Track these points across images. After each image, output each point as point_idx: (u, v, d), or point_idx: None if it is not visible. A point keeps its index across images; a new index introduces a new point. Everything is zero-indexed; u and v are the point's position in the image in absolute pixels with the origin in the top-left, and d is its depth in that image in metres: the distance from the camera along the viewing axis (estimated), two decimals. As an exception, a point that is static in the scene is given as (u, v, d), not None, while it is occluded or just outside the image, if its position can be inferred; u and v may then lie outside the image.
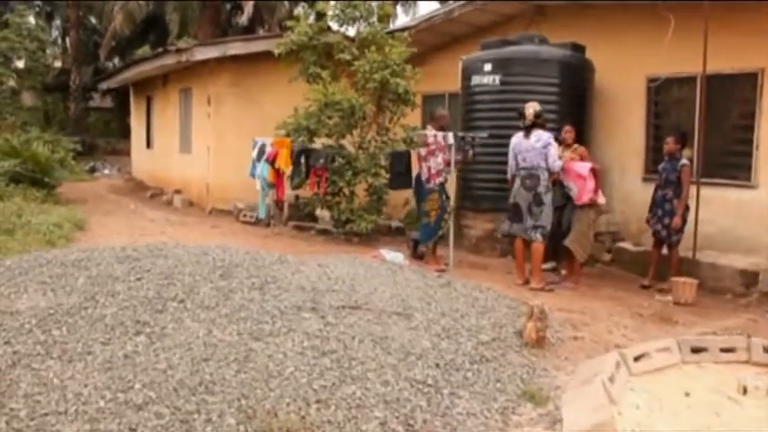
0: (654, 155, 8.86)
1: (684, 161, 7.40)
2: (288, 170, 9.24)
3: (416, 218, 8.11)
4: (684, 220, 7.39)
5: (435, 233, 7.82)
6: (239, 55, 11.78)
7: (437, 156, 7.13)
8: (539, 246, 7.09)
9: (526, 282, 7.26)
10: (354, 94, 9.48)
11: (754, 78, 7.89)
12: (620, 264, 8.48)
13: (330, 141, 10.05)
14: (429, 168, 7.28)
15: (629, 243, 8.70)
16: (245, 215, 11.36)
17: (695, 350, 4.78)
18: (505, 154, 7.56)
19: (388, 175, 9.11)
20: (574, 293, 7.10)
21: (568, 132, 7.78)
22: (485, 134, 7.16)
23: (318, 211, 10.66)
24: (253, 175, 9.79)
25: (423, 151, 7.26)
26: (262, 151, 9.45)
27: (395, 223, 11.06)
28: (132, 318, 4.26)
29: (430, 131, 7.05)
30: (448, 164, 7.24)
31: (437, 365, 4.31)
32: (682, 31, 8.10)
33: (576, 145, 7.86)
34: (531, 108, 7.09)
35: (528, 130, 7.05)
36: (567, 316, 6.06)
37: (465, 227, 9.45)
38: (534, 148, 6.99)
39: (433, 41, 11.74)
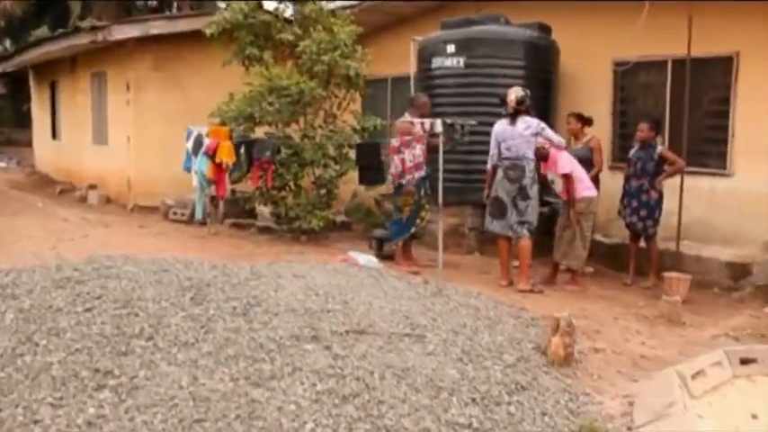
0: (621, 142, 8.46)
1: (661, 147, 6.98)
2: (230, 164, 8.21)
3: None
4: (659, 210, 6.99)
5: (407, 230, 7.08)
6: (162, 35, 10.53)
7: (414, 147, 6.36)
8: (526, 243, 6.48)
9: (510, 283, 6.64)
10: (300, 78, 8.55)
11: (729, 62, 7.56)
12: (596, 258, 8.00)
13: (272, 130, 9.09)
14: (403, 161, 6.51)
15: (601, 235, 8.25)
16: (175, 212, 10.23)
17: (744, 362, 4.28)
18: (471, 143, 6.92)
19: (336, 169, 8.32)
20: (562, 295, 6.55)
21: (568, 123, 7.22)
22: (473, 122, 6.47)
23: (259, 208, 9.69)
24: (188, 169, 8.69)
25: (396, 142, 6.48)
26: (198, 142, 8.37)
27: (340, 218, 10.22)
28: (88, 365, 3.30)
29: (416, 120, 6.27)
30: (427, 155, 6.48)
31: (474, 401, 3.60)
32: (650, 12, 7.67)
33: (586, 137, 7.29)
34: (513, 94, 6.45)
35: (513, 117, 6.40)
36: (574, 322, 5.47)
37: (427, 222, 8.74)
38: (522, 135, 6.35)
39: (376, 21, 10.93)
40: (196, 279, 4.41)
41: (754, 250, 7.07)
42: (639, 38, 8.04)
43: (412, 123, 6.01)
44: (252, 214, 10.01)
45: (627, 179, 7.09)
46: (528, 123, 6.37)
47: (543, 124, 6.42)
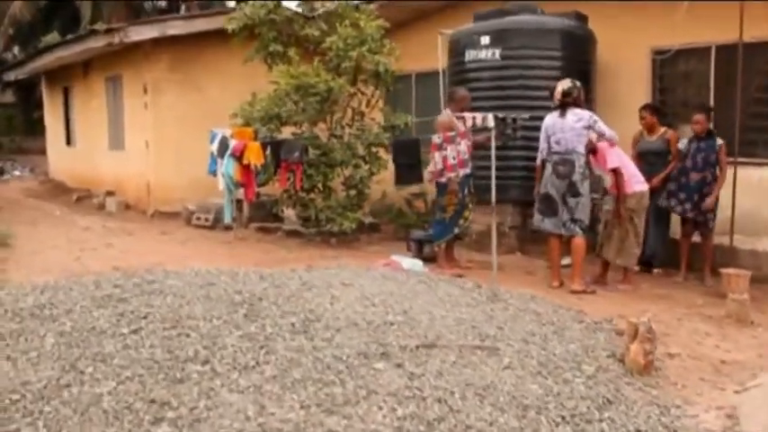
0: (661, 133, 8.10)
1: (721, 141, 6.63)
2: (259, 166, 7.90)
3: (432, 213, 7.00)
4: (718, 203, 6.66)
5: (450, 231, 6.75)
6: (179, 36, 10.25)
7: (458, 143, 6.03)
8: (580, 242, 6.14)
9: (561, 284, 6.31)
10: (328, 76, 8.23)
11: (777, 47, 7.21)
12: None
13: (298, 130, 8.79)
14: (445, 158, 6.17)
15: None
16: (198, 218, 9.93)
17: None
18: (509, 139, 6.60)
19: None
20: (616, 295, 6.21)
21: (642, 118, 6.86)
22: (526, 115, 6.15)
23: (285, 211, 9.38)
24: (213, 173, 8.38)
25: (438, 139, 6.14)
26: (224, 145, 8.06)
27: (367, 219, 9.90)
28: (142, 396, 2.99)
29: (467, 114, 5.92)
30: (472, 152, 6.15)
31: (563, 419, 3.27)
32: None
33: (662, 129, 6.93)
34: (561, 86, 6.11)
35: (563, 110, 6.06)
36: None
37: (470, 222, 8.41)
38: (573, 128, 6.00)
39: (396, 17, 10.57)
40: (246, 293, 4.09)
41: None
42: (679, 25, 7.69)
43: (462, 118, 5.68)
44: (277, 218, 9.72)
45: (685, 172, 6.72)
46: (579, 116, 6.03)
47: (596, 117, 6.07)
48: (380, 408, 3.03)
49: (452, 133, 6.12)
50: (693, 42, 7.68)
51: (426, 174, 6.68)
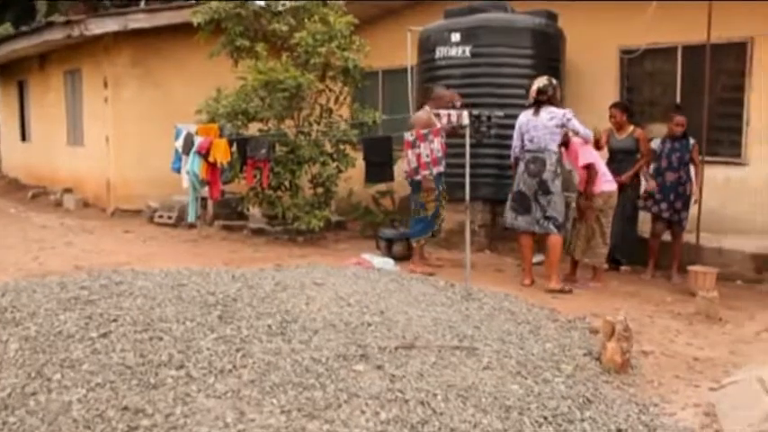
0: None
1: (694, 141, 6.73)
2: (225, 163, 7.72)
3: (412, 211, 6.92)
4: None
5: (431, 228, 6.70)
6: (142, 29, 9.97)
7: (431, 141, 5.97)
8: (555, 239, 6.12)
9: (533, 282, 6.31)
10: (297, 72, 8.09)
11: (743, 48, 7.33)
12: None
13: (264, 127, 8.64)
14: (419, 156, 6.11)
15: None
16: (161, 216, 9.70)
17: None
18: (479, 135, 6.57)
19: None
20: (587, 293, 6.23)
21: (612, 116, 6.87)
22: (501, 113, 6.11)
23: (251, 209, 9.22)
24: (177, 170, 8.17)
25: (411, 137, 6.08)
26: (189, 141, 7.86)
27: (335, 217, 9.80)
28: (114, 403, 2.86)
29: (442, 112, 5.86)
30: (446, 150, 6.09)
31: (546, 420, 3.25)
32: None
33: (630, 127, 6.95)
34: (536, 83, 6.10)
35: (537, 107, 6.05)
36: (606, 323, 5.17)
37: (443, 220, 8.37)
38: (546, 126, 5.99)
39: (364, 13, 10.48)
40: (220, 294, 3.97)
41: (774, 240, 6.85)
42: (647, 25, 7.78)
43: (438, 116, 5.62)
44: (242, 216, 9.55)
45: (659, 173, 6.79)
46: (553, 114, 6.01)
47: (570, 114, 6.06)
48: (363, 411, 2.95)
49: (426, 131, 6.06)
50: (660, 42, 7.77)
51: (401, 172, 6.61)
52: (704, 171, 6.80)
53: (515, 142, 6.21)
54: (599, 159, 6.38)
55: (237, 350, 3.31)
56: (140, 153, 10.23)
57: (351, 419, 2.88)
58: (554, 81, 6.11)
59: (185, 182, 7.95)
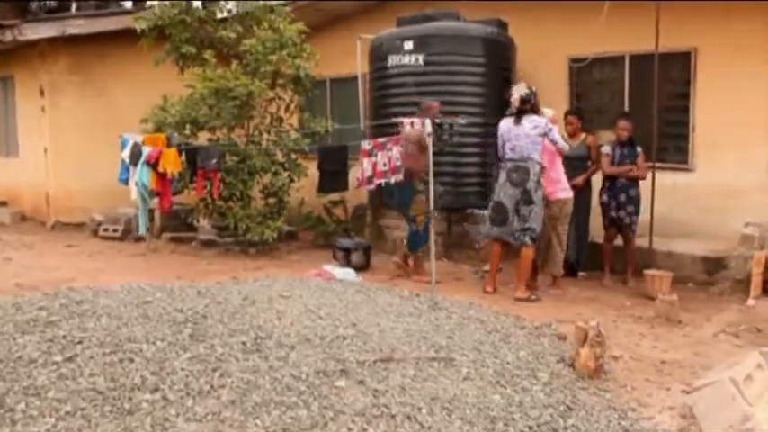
0: (577, 138, 8.33)
1: (640, 149, 6.88)
2: (176, 173, 7.48)
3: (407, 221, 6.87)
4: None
5: (425, 241, 6.62)
6: (81, 35, 9.59)
7: (389, 150, 5.92)
8: (528, 252, 6.10)
9: (495, 289, 6.32)
10: (247, 80, 7.92)
11: (688, 58, 7.57)
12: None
13: (213, 136, 8.43)
14: (375, 165, 6.05)
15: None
16: (106, 229, 9.34)
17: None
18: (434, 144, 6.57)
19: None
20: (548, 300, 6.27)
21: (570, 123, 6.93)
22: (462, 120, 6.10)
23: (201, 220, 8.97)
24: (124, 181, 7.87)
25: (368, 145, 6.01)
26: (137, 152, 7.58)
27: (285, 227, 9.63)
28: None
29: (404, 120, 5.80)
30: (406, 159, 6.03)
31: (531, 429, 3.23)
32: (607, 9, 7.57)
33: (582, 134, 7.02)
34: (517, 92, 6.04)
35: (518, 116, 6.04)
36: (572, 328, 5.20)
37: (386, 228, 8.35)
38: (528, 135, 5.96)
39: (311, 20, 10.37)
40: (188, 310, 3.80)
41: (721, 244, 7.05)
42: (595, 34, 7.96)
43: (401, 124, 5.57)
44: (191, 227, 9.29)
45: (610, 177, 6.91)
46: (535, 123, 5.98)
47: (552, 125, 6.07)
48: (350, 429, 2.86)
49: (383, 140, 6.01)
50: (609, 51, 7.96)
51: (354, 180, 6.53)
52: (654, 177, 6.95)
53: (499, 151, 6.19)
54: (556, 167, 6.41)
55: (214, 369, 3.17)
56: (82, 164, 9.84)
57: (339, 438, 2.79)
58: (533, 88, 6.11)
59: (134, 193, 7.65)
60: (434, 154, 6.05)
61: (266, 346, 3.48)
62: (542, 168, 6.04)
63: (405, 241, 6.97)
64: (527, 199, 5.99)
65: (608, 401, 3.79)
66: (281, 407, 2.94)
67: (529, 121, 5.99)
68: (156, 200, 7.88)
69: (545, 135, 6.01)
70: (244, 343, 3.46)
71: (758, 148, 7.14)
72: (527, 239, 6.05)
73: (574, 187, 6.57)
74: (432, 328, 4.44)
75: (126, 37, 9.20)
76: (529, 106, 5.99)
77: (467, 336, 4.40)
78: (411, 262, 6.88)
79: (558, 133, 6.13)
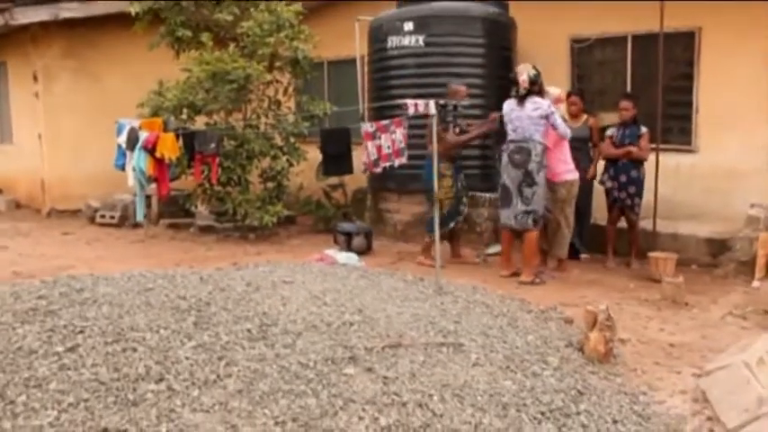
0: (580, 120, 8.24)
1: (645, 129, 6.78)
2: (173, 158, 7.38)
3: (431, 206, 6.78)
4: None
5: (447, 226, 6.54)
6: (75, 19, 9.44)
7: (393, 132, 5.82)
8: (532, 235, 6.04)
9: (514, 274, 6.23)
10: (244, 63, 7.80)
11: (691, 38, 7.46)
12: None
13: (210, 120, 8.32)
14: (379, 148, 5.95)
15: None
16: (102, 216, 9.23)
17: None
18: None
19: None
20: (553, 283, 6.22)
21: (574, 104, 6.83)
22: (466, 102, 6.01)
23: (198, 206, 8.87)
24: (120, 167, 7.76)
25: (371, 127, 5.91)
26: (133, 137, 7.47)
27: (285, 212, 9.53)
28: (92, 425, 2.62)
29: (408, 101, 5.66)
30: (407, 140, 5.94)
31: (543, 415, 3.17)
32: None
33: (584, 116, 6.93)
34: (526, 72, 5.94)
35: (522, 98, 5.95)
36: (578, 311, 5.14)
37: (386, 211, 8.27)
38: (530, 117, 5.89)
39: (311, 3, 10.23)
40: (191, 298, 3.73)
41: (724, 226, 6.99)
42: (597, 15, 7.86)
43: (405, 105, 5.46)
44: (189, 213, 9.19)
45: (611, 159, 6.83)
46: (538, 104, 5.90)
47: (554, 108, 5.98)
48: (361, 418, 2.80)
49: (386, 122, 5.91)
50: (611, 32, 7.85)
51: (360, 164, 6.43)
52: (658, 158, 6.87)
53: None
54: (566, 150, 6.29)
55: (219, 358, 3.09)
56: (77, 150, 9.74)
57: (350, 427, 2.72)
58: (539, 69, 6.02)
59: (131, 179, 7.57)
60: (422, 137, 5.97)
61: (272, 333, 3.40)
62: (545, 149, 5.95)
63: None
64: (529, 181, 5.93)
65: (618, 386, 3.74)
66: (289, 396, 2.87)
67: (531, 103, 5.92)
68: (153, 185, 7.80)
69: (547, 117, 5.92)
70: (249, 330, 3.38)
71: (762, 129, 7.06)
72: (530, 222, 5.99)
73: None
74: (438, 312, 4.37)
75: (120, 21, 9.06)
76: (537, 87, 5.90)
77: (474, 320, 4.34)
78: (426, 244, 6.75)
79: (559, 117, 6.02)
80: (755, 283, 6.11)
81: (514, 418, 3.08)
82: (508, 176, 6.02)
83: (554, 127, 5.96)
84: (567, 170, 6.27)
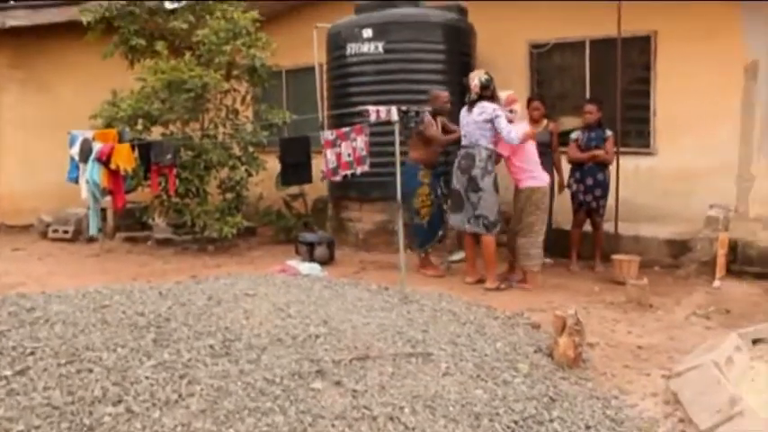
0: (539, 124, 8.28)
1: (610, 133, 6.83)
2: (129, 170, 7.16)
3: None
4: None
5: (434, 235, 6.49)
6: (21, 28, 9.14)
7: (354, 139, 5.74)
8: (488, 240, 5.99)
9: (479, 280, 6.17)
10: (201, 71, 7.63)
11: (648, 42, 7.57)
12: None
13: (167, 131, 8.12)
14: (339, 155, 5.87)
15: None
16: (55, 230, 8.93)
17: (754, 342, 4.10)
18: (393, 133, 6.42)
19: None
20: (520, 289, 6.17)
21: (536, 109, 6.81)
22: (428, 108, 5.95)
23: (155, 218, 8.64)
24: (74, 179, 7.52)
25: (331, 135, 5.82)
26: (87, 148, 7.23)
27: (245, 223, 9.35)
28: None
29: (370, 108, 5.59)
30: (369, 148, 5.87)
31: (516, 424, 3.11)
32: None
33: (545, 121, 6.92)
34: (477, 78, 5.93)
35: (472, 103, 5.92)
36: (545, 316, 5.12)
37: (348, 220, 8.16)
38: (476, 121, 5.87)
39: (268, 10, 10.10)
40: (150, 314, 3.57)
41: (685, 227, 7.08)
42: (555, 20, 7.92)
43: (366, 112, 5.39)
44: (145, 226, 8.95)
45: (576, 162, 6.85)
46: (483, 109, 5.87)
47: (499, 111, 5.91)
48: (331, 435, 2.69)
49: (346, 129, 5.82)
50: (569, 37, 7.92)
51: (318, 172, 6.34)
52: (619, 161, 6.92)
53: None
54: (527, 153, 6.21)
55: (181, 377, 2.95)
56: (27, 163, 9.44)
57: (320, 445, 2.61)
58: (491, 75, 6.00)
59: (84, 192, 7.34)
60: (389, 144, 5.88)
61: (235, 348, 3.27)
62: (491, 155, 5.91)
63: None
64: (474, 186, 5.92)
65: (590, 390, 3.70)
66: (255, 413, 2.75)
67: (478, 108, 5.91)
68: (108, 198, 7.57)
69: (491, 121, 5.86)
70: (212, 346, 3.24)
71: (719, 130, 7.19)
72: (480, 227, 5.95)
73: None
74: (405, 322, 4.29)
75: (71, 29, 8.80)
76: (489, 92, 5.89)
77: (441, 329, 4.26)
78: (422, 257, 6.70)
79: (505, 121, 5.89)
80: (716, 283, 6.18)
81: (487, 428, 3.01)
82: (458, 181, 6.03)
83: (498, 129, 5.86)
84: (527, 177, 6.10)
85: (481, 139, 5.89)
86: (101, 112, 7.95)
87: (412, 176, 6.35)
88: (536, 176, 6.14)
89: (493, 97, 5.94)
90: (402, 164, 6.53)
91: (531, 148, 6.10)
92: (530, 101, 7.01)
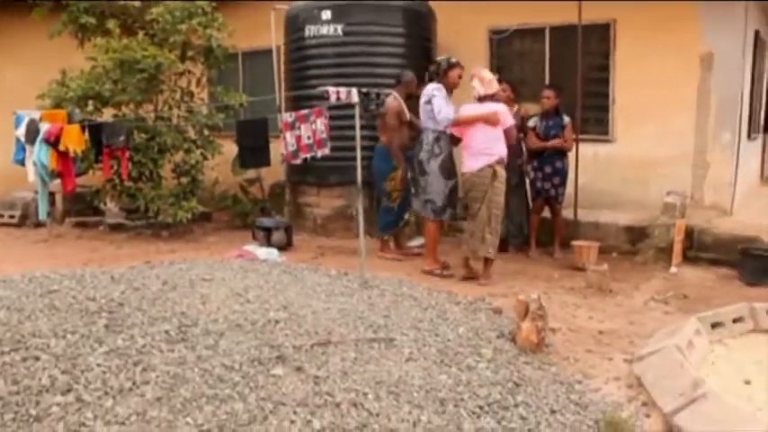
0: (500, 110, 8.26)
1: (568, 119, 6.83)
2: (79, 152, 6.89)
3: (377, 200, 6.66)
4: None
5: (400, 220, 6.43)
6: (-37, 4, 8.74)
7: (313, 122, 5.61)
8: (430, 225, 5.97)
9: (445, 266, 6.09)
10: (155, 51, 7.38)
11: (607, 30, 7.60)
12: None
13: (119, 112, 7.85)
14: (299, 138, 5.73)
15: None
16: (1, 215, 8.58)
17: (713, 326, 4.14)
18: (352, 117, 6.29)
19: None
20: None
21: (504, 91, 6.70)
22: (389, 90, 5.84)
23: (107, 202, 8.36)
24: (20, 161, 7.21)
25: (290, 117, 5.68)
26: (33, 129, 6.93)
27: (200, 208, 9.13)
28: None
29: (330, 89, 5.44)
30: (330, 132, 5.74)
31: (482, 409, 3.08)
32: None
33: (516, 106, 6.85)
34: (435, 64, 5.93)
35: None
36: (506, 302, 5.10)
37: (306, 206, 8.02)
38: (422, 105, 5.82)
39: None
40: (101, 299, 3.40)
41: (643, 214, 7.16)
42: (515, 6, 7.88)
43: (326, 93, 5.26)
44: (97, 210, 8.67)
45: (535, 150, 6.83)
46: (425, 91, 5.82)
47: (436, 92, 5.72)
48: (293, 421, 2.60)
49: (306, 111, 5.69)
50: (529, 23, 7.90)
51: (278, 155, 6.19)
52: (578, 149, 6.94)
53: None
54: (476, 136, 5.76)
55: (135, 364, 2.81)
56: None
57: (281, 432, 2.52)
58: (450, 59, 5.94)
59: (31, 175, 7.04)
60: (348, 128, 5.76)
61: (192, 334, 3.14)
62: (438, 137, 5.80)
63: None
64: (420, 169, 5.89)
65: (553, 375, 3.69)
66: (213, 401, 2.63)
67: (423, 91, 5.85)
68: (57, 181, 7.28)
69: (428, 102, 5.74)
70: (167, 332, 3.11)
71: (676, 119, 7.27)
72: (429, 210, 5.91)
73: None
74: (366, 307, 4.21)
75: (16, 7, 8.44)
76: (428, 77, 5.86)
77: (403, 314, 4.20)
78: (389, 243, 6.65)
79: (441, 100, 5.69)
80: (673, 269, 6.27)
81: (453, 413, 2.96)
82: (411, 166, 6.01)
83: (432, 110, 5.70)
84: (467, 160, 5.75)
85: (428, 121, 5.79)
86: (49, 92, 7.65)
87: (383, 159, 6.28)
88: (477, 159, 5.69)
89: (431, 79, 5.82)
90: (373, 147, 6.51)
91: (483, 129, 5.69)
92: (499, 82, 6.93)
